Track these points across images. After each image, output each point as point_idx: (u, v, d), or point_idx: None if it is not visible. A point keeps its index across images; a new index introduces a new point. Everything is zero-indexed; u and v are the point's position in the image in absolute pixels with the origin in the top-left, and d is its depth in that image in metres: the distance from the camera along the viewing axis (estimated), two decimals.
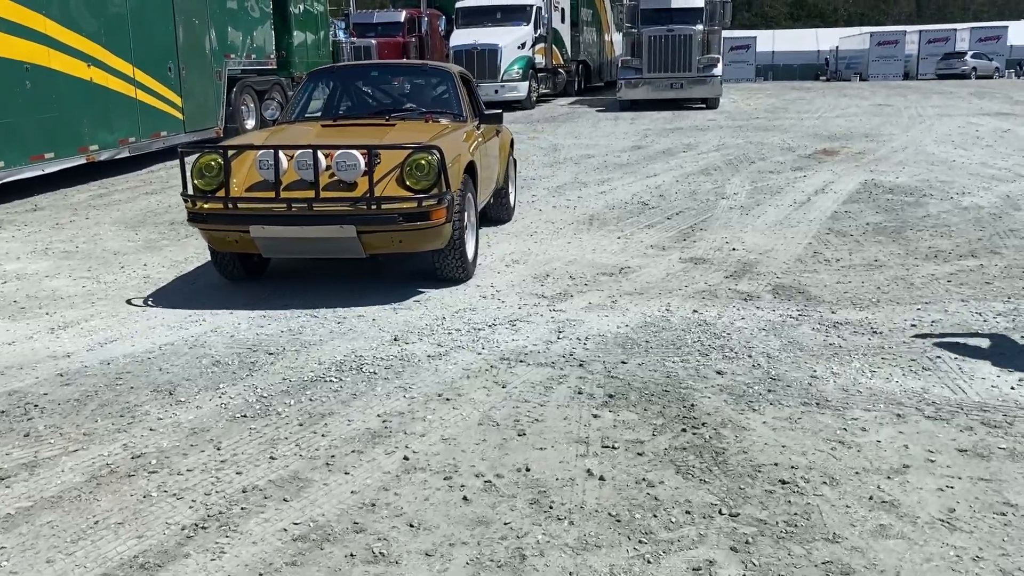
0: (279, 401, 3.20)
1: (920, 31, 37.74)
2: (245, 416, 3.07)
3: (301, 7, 14.60)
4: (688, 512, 2.40)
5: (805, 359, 3.55)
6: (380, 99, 6.11)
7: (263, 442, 2.86)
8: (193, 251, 5.90)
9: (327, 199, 4.32)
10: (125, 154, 9.84)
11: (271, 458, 2.74)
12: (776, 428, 2.91)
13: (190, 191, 4.53)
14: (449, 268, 4.79)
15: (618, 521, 2.36)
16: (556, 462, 2.70)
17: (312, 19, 15.10)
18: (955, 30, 37.47)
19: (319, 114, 5.94)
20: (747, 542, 2.25)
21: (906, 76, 34.32)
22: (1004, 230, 5.93)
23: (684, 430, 2.91)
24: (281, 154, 4.37)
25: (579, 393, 3.25)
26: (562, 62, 19.97)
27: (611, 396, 3.21)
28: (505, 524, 2.35)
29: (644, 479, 2.58)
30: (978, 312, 4.14)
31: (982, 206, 6.73)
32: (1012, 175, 8.14)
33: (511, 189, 6.88)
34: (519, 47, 17.39)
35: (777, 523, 2.34)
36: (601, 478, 2.59)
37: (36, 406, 3.23)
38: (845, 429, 2.89)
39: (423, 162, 4.38)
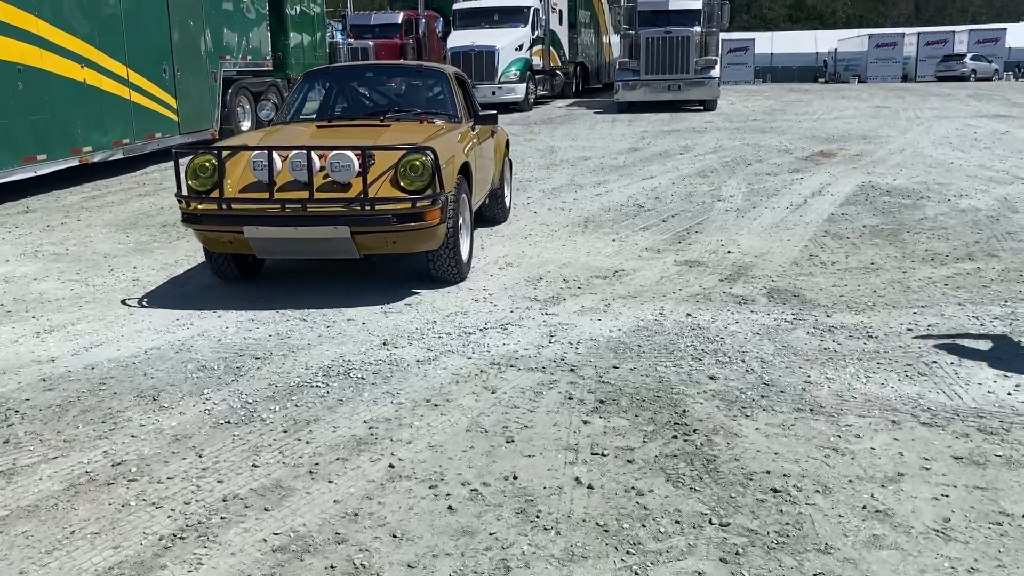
0: (264, 407, 3.14)
1: (918, 33, 37.74)
2: (229, 422, 3.02)
3: (297, 8, 14.55)
4: (678, 522, 2.35)
5: (799, 364, 3.50)
6: (375, 100, 6.11)
7: (246, 449, 2.81)
8: (184, 254, 5.85)
9: (321, 200, 4.32)
10: (119, 156, 9.78)
11: (253, 466, 2.69)
12: (769, 435, 2.86)
13: (184, 192, 4.52)
14: (443, 269, 4.78)
15: (606, 531, 2.31)
16: (544, 470, 2.65)
17: (308, 20, 15.05)
18: (953, 32, 37.47)
19: (314, 115, 5.92)
20: (737, 553, 2.20)
21: (904, 78, 34.32)
22: (1002, 233, 5.88)
23: (675, 437, 2.86)
24: (275, 155, 4.37)
25: (569, 399, 3.20)
26: (560, 64, 19.94)
27: (602, 402, 3.16)
28: (490, 534, 2.30)
29: (633, 487, 2.53)
30: (975, 316, 4.10)
31: (980, 208, 6.69)
32: (1010, 177, 8.09)
33: (506, 190, 6.90)
34: (516, 49, 17.36)
35: (768, 533, 2.29)
36: (589, 486, 2.54)
37: (17, 412, 3.18)
38: (839, 436, 2.84)
39: (417, 163, 4.38)
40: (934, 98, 18.38)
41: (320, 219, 4.30)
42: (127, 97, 9.81)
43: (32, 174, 8.69)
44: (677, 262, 5.32)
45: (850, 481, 2.55)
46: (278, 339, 3.92)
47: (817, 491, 2.49)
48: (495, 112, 6.01)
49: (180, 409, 3.15)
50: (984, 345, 3.70)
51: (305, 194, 4.31)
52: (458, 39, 17.56)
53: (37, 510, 2.47)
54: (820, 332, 3.90)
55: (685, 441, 2.82)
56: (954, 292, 4.51)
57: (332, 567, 2.16)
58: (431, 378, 3.42)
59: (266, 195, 4.33)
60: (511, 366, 3.55)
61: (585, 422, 2.99)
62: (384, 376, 3.44)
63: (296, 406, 3.15)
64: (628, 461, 2.70)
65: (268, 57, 13.31)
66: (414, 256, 4.82)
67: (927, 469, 2.61)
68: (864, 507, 2.40)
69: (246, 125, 12.55)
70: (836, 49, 41.08)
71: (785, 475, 2.59)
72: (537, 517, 2.38)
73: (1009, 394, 3.17)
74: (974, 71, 31.37)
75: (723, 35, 23.57)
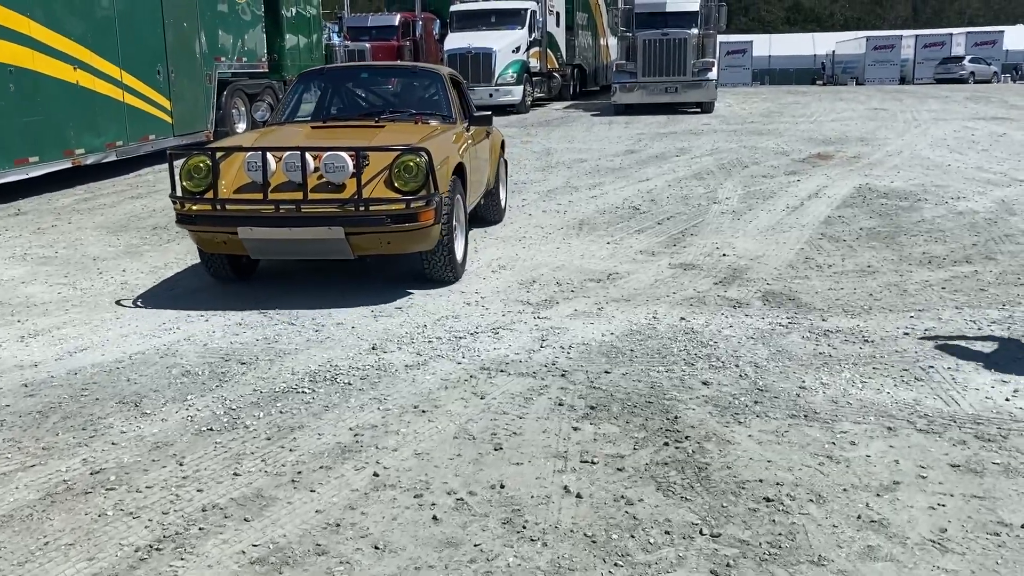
0: (248, 414, 3.08)
1: (916, 36, 37.74)
2: (212, 429, 2.96)
3: (293, 10, 14.51)
4: (667, 532, 2.29)
5: (794, 369, 3.45)
6: (370, 101, 6.10)
7: (228, 457, 2.75)
8: (173, 256, 5.79)
9: (315, 200, 4.31)
10: (112, 158, 9.72)
11: (235, 474, 2.63)
12: (762, 442, 2.80)
13: (179, 193, 4.52)
14: (438, 269, 4.78)
15: (594, 542, 2.25)
16: (532, 478, 2.59)
17: (305, 22, 15.00)
18: (951, 34, 37.48)
19: (309, 116, 5.91)
20: (728, 565, 2.14)
21: (902, 80, 34.31)
22: (999, 235, 5.84)
23: (666, 444, 2.80)
24: (269, 156, 4.37)
25: (560, 404, 3.14)
26: (557, 66, 19.90)
27: (592, 408, 3.10)
28: (475, 546, 2.24)
29: (623, 496, 2.47)
30: (972, 320, 4.04)
31: (977, 211, 6.64)
32: (1008, 179, 8.05)
33: (502, 190, 6.91)
34: (514, 51, 17.32)
35: (760, 544, 2.23)
36: (578, 495, 2.48)
37: None
38: (833, 443, 2.79)
39: (411, 164, 4.38)
40: (932, 100, 18.35)
41: (314, 220, 4.30)
42: (120, 99, 9.75)
43: (24, 176, 8.63)
44: (671, 265, 5.26)
45: (844, 490, 2.49)
46: (265, 343, 3.86)
47: (811, 500, 2.44)
48: (489, 113, 6.00)
49: (162, 416, 3.09)
50: (981, 350, 3.65)
51: (299, 195, 4.30)
52: (455, 41, 17.52)
53: (11, 520, 2.41)
54: (815, 336, 3.84)
55: (676, 448, 2.77)
56: (951, 295, 4.46)
57: None
58: (419, 384, 3.36)
59: (260, 196, 4.32)
60: (501, 371, 3.49)
61: (575, 429, 2.93)
62: (372, 382, 3.38)
63: (281, 413, 3.09)
64: (618, 469, 2.64)
65: (264, 59, 13.25)
66: (409, 256, 4.79)
67: (923, 477, 2.56)
68: (859, 517, 2.35)
69: (241, 127, 12.49)
70: (834, 51, 41.07)
71: (778, 483, 2.53)
72: (524, 528, 2.32)
73: (1007, 400, 3.11)
74: (973, 73, 31.36)
75: (721, 37, 23.52)
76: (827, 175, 8.56)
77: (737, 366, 3.49)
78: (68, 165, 8.95)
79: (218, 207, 4.35)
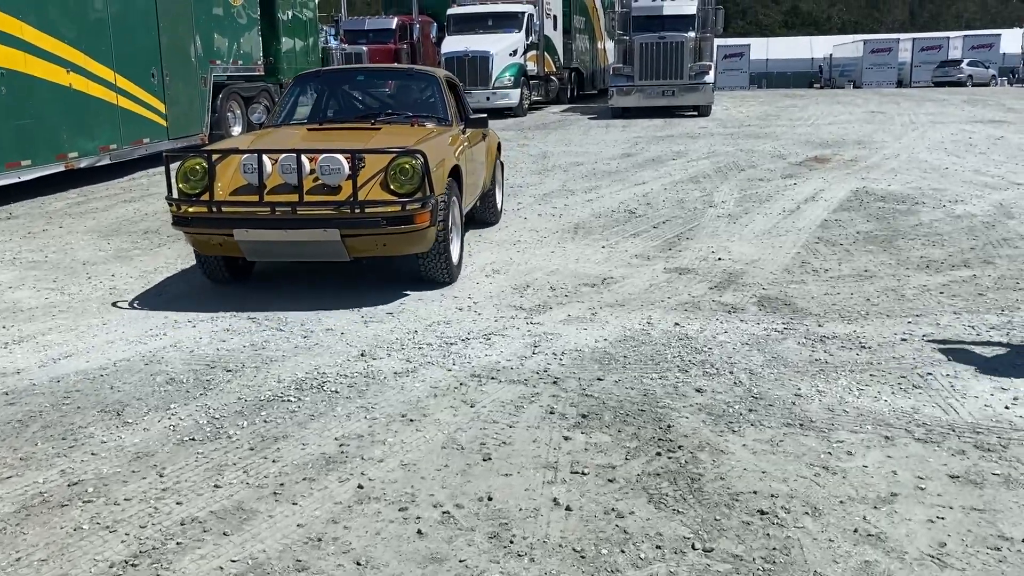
0: (231, 423, 3.01)
1: (913, 39, 37.77)
2: (194, 439, 2.89)
3: (290, 13, 14.46)
4: (659, 547, 2.23)
5: (789, 376, 3.38)
6: (366, 103, 6.12)
7: (209, 468, 2.68)
8: (164, 261, 5.72)
9: (311, 203, 4.33)
10: (106, 161, 9.65)
11: (215, 486, 2.56)
12: (756, 452, 2.74)
13: (175, 195, 4.53)
14: (434, 271, 4.79)
15: (582, 557, 2.18)
16: (521, 490, 2.53)
17: (301, 25, 14.96)
18: (948, 38, 37.52)
19: (305, 118, 5.91)
20: None
21: (899, 84, 34.32)
22: (997, 239, 5.78)
23: (659, 454, 2.74)
24: (265, 158, 4.38)
25: (551, 413, 3.07)
26: (554, 69, 19.86)
27: (584, 416, 3.04)
28: (460, 561, 2.18)
29: (613, 509, 2.41)
30: (971, 325, 3.99)
31: (975, 214, 6.59)
32: (1005, 183, 8.00)
33: (498, 192, 6.94)
34: (511, 54, 17.28)
35: (754, 559, 2.16)
36: (567, 508, 2.42)
37: None
38: (830, 453, 2.72)
39: (407, 166, 4.39)
40: (929, 103, 18.33)
41: (310, 222, 4.30)
42: (114, 102, 9.69)
43: (16, 180, 8.56)
44: (667, 269, 5.20)
45: (841, 502, 2.43)
46: (252, 350, 3.79)
47: (806, 513, 2.37)
48: (485, 116, 6.02)
49: (144, 425, 3.02)
50: (980, 356, 3.59)
51: (295, 197, 4.32)
52: (452, 44, 17.48)
53: None
54: (811, 342, 3.78)
55: (669, 458, 2.70)
56: (949, 300, 4.41)
57: None
58: (408, 391, 3.29)
59: (256, 198, 4.33)
60: (492, 378, 3.42)
61: (566, 438, 2.87)
62: (359, 389, 3.31)
63: (265, 422, 3.02)
64: (609, 480, 2.57)
65: (259, 62, 13.20)
66: (405, 257, 4.78)
67: (922, 489, 2.49)
68: (856, 530, 2.28)
69: (236, 130, 12.44)
70: (831, 55, 41.10)
71: (773, 495, 2.47)
72: (511, 542, 2.25)
73: (1007, 408, 3.05)
74: (971, 77, 31.37)
75: (719, 41, 23.52)
76: (824, 178, 8.51)
77: (731, 373, 3.42)
78: (61, 168, 8.88)
79: (214, 209, 4.36)
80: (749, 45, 39.42)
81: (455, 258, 4.96)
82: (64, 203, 8.32)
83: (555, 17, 19.68)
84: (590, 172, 9.44)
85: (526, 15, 17.75)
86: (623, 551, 2.21)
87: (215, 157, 4.50)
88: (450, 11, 18.68)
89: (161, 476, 2.64)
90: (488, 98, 16.56)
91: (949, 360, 3.54)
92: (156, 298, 4.80)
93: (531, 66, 18.03)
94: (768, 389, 3.25)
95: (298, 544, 2.25)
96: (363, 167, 4.39)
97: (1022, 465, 2.62)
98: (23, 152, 8.28)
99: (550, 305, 4.48)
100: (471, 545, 2.24)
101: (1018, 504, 2.40)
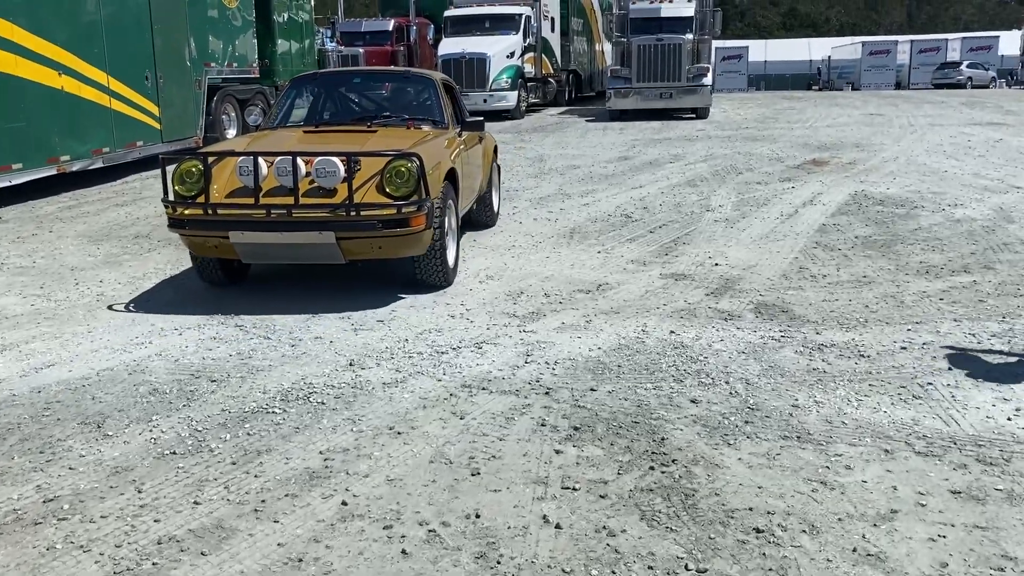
0: (214, 436, 2.94)
1: (911, 41, 37.77)
2: (175, 453, 2.81)
3: (285, 15, 14.38)
4: (651, 567, 2.15)
5: (786, 386, 3.31)
6: (362, 106, 6.11)
7: (189, 484, 2.61)
8: (153, 266, 5.64)
9: (306, 205, 4.33)
10: (99, 164, 9.57)
11: (195, 503, 2.49)
12: (752, 466, 2.67)
13: (171, 197, 4.53)
14: (429, 274, 4.79)
15: None
16: (510, 507, 2.45)
17: (297, 27, 14.87)
18: (946, 40, 37.51)
19: (302, 121, 5.90)
20: None
21: (898, 85, 34.30)
22: (997, 244, 5.72)
23: (652, 468, 2.66)
24: (261, 160, 4.39)
25: (542, 425, 3.00)
26: (552, 71, 19.80)
27: (576, 428, 2.96)
28: None
29: (604, 527, 2.33)
30: (972, 333, 3.92)
31: (975, 218, 6.52)
32: (1005, 186, 7.94)
33: (494, 195, 6.95)
34: (508, 56, 17.22)
35: None
36: (557, 526, 2.34)
37: None
38: (828, 467, 2.65)
39: (403, 169, 4.39)
40: (927, 106, 18.28)
41: (305, 224, 4.31)
42: (107, 105, 9.61)
43: (7, 183, 8.48)
44: (663, 275, 5.13)
45: (839, 519, 2.35)
46: (238, 359, 3.72)
47: (803, 531, 2.30)
48: (482, 119, 6.02)
49: (125, 438, 2.95)
50: (981, 365, 3.52)
51: (291, 199, 4.32)
52: (449, 46, 17.41)
53: None
54: (809, 351, 3.71)
55: (663, 473, 2.63)
56: (949, 307, 4.34)
57: None
58: (396, 403, 3.22)
59: (252, 200, 4.34)
60: (483, 389, 3.35)
61: (557, 451, 2.79)
62: (346, 401, 3.24)
63: (248, 435, 2.94)
64: (601, 496, 2.50)
65: (255, 64, 13.12)
66: (401, 260, 4.75)
67: (922, 505, 2.42)
68: (854, 550, 2.21)
69: (231, 133, 12.36)
70: (830, 57, 41.09)
71: (769, 512, 2.39)
72: (498, 563, 2.18)
73: (1009, 419, 2.98)
74: (970, 79, 31.34)
75: (717, 43, 23.47)
76: (822, 182, 8.45)
77: (727, 383, 3.35)
78: (53, 172, 8.79)
79: (209, 211, 4.37)
80: (747, 47, 39.39)
81: (451, 261, 4.96)
82: (55, 207, 8.24)
83: (553, 19, 19.62)
84: (587, 175, 9.38)
85: (524, 17, 17.69)
86: (614, 572, 2.13)
87: (211, 159, 4.51)
88: (447, 13, 18.62)
89: (140, 492, 2.56)
90: (485, 100, 16.51)
91: (950, 369, 3.47)
92: (144, 304, 4.73)
93: (528, 68, 17.97)
94: (765, 400, 3.18)
95: (278, 565, 2.18)
96: (359, 170, 4.40)
97: None
98: (14, 155, 8.19)
99: (544, 312, 4.41)
100: (457, 566, 2.17)
101: (1021, 522, 2.32)
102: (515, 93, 17.03)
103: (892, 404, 3.13)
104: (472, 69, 16.80)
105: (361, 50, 19.87)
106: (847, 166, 9.48)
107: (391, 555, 2.22)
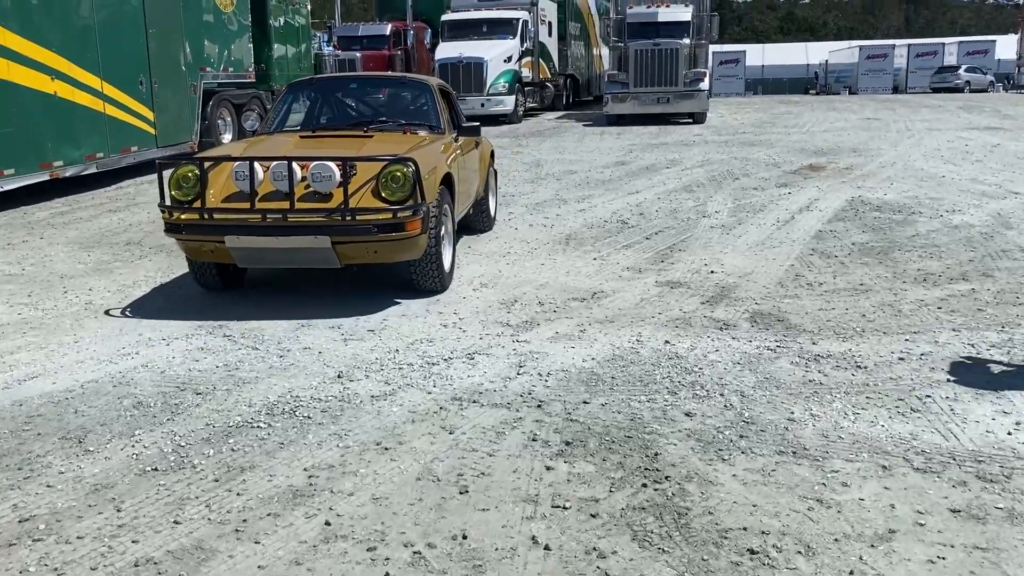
0: (197, 451, 2.87)
1: (909, 45, 37.82)
2: (156, 470, 2.75)
3: (282, 19, 14.33)
4: None
5: (782, 399, 3.25)
6: (359, 111, 6.13)
7: (170, 502, 2.54)
8: (144, 274, 5.58)
9: (302, 210, 4.34)
10: (93, 170, 9.50)
11: (175, 523, 2.42)
12: (747, 482, 2.61)
13: (167, 202, 4.52)
14: (425, 279, 4.79)
15: None
16: (498, 527, 2.39)
17: (293, 32, 14.83)
18: (943, 44, 37.57)
19: (298, 126, 5.90)
20: None
21: (895, 90, 34.32)
22: (996, 251, 5.67)
23: (645, 485, 2.60)
24: (257, 165, 4.40)
25: (533, 440, 2.94)
26: (549, 76, 19.76)
27: (568, 443, 2.90)
28: None
29: (595, 548, 2.27)
30: (971, 343, 3.86)
31: (973, 224, 6.48)
32: (1003, 192, 7.90)
33: (491, 200, 6.96)
34: (505, 60, 17.17)
35: None
36: (546, 547, 2.28)
37: None
38: (824, 484, 2.59)
39: (398, 174, 4.40)
40: (925, 110, 18.26)
41: (301, 229, 4.33)
42: (101, 110, 9.54)
43: None
44: (658, 283, 5.08)
45: (836, 540, 2.29)
46: (225, 371, 3.65)
47: (799, 552, 2.24)
48: (478, 124, 6.03)
49: (106, 454, 2.88)
50: (981, 376, 3.46)
51: (286, 204, 4.33)
52: (446, 50, 17.37)
53: None
54: (805, 362, 3.65)
55: (655, 490, 2.57)
56: (948, 316, 4.28)
57: None
58: (385, 417, 3.15)
59: (248, 205, 4.36)
60: (474, 402, 3.29)
61: (548, 468, 2.73)
62: (333, 415, 3.17)
63: (232, 451, 2.88)
64: (592, 515, 2.44)
65: (251, 69, 13.07)
66: (397, 264, 4.73)
67: (921, 524, 2.36)
68: (851, 572, 2.15)
69: (227, 138, 12.29)
70: (827, 61, 41.15)
71: (764, 532, 2.33)
72: None
73: (1009, 434, 2.92)
74: (968, 83, 31.36)
75: (714, 47, 23.49)
76: (819, 187, 8.40)
77: (722, 395, 3.29)
78: (46, 178, 8.72)
79: (206, 216, 4.40)
80: (745, 51, 39.46)
81: (447, 266, 4.95)
82: (48, 213, 8.17)
83: (550, 23, 19.59)
84: (583, 181, 9.33)
85: (521, 21, 17.66)
86: None
87: (207, 164, 4.55)
88: (444, 17, 18.58)
89: (119, 511, 2.50)
90: (482, 105, 16.46)
91: (948, 381, 3.41)
92: (132, 313, 4.66)
93: (526, 72, 17.93)
94: (760, 413, 3.12)
95: None
96: (355, 175, 4.41)
97: None
98: (6, 161, 8.12)
99: (538, 321, 4.35)
100: None
101: (1023, 542, 2.26)
102: (512, 97, 16.98)
103: (890, 417, 3.07)
104: (469, 73, 16.76)
105: (358, 54, 19.83)
106: (844, 171, 9.43)
107: None
